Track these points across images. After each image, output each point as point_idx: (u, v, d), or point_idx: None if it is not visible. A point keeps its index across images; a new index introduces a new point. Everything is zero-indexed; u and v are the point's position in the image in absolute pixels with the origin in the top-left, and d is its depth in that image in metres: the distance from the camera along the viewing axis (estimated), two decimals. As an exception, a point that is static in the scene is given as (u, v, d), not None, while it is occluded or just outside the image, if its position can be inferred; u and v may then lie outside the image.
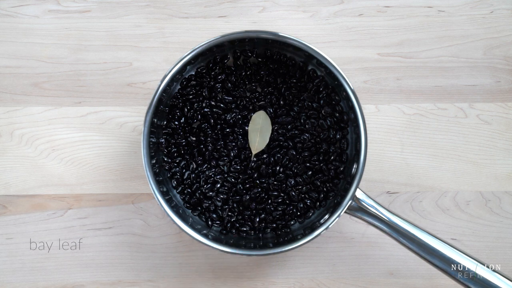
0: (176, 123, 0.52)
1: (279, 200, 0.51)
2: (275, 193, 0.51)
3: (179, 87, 0.52)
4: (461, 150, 0.55)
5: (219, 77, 0.52)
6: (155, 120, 0.50)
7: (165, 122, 0.52)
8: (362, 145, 0.48)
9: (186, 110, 0.52)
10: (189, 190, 0.52)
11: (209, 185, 0.51)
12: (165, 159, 0.52)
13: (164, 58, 0.56)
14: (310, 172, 0.51)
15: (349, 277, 0.54)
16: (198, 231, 0.48)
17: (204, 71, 0.52)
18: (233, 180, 0.51)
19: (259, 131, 0.50)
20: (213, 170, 0.52)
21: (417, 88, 0.56)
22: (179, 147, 0.52)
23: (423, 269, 0.53)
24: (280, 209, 0.51)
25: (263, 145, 0.50)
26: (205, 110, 0.52)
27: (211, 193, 0.51)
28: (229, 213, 0.51)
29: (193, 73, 0.52)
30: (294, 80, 0.52)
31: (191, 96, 0.52)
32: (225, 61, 0.52)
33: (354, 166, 0.50)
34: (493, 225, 0.54)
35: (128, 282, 0.54)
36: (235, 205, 0.51)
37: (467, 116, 0.56)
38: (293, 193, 0.51)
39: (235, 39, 0.49)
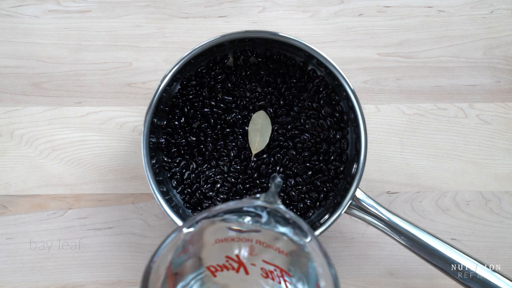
0: (176, 123, 0.52)
1: (279, 200, 0.51)
2: (275, 193, 0.51)
3: (179, 87, 0.52)
4: (461, 150, 0.55)
5: (219, 77, 0.52)
6: (155, 120, 0.50)
7: (165, 122, 0.52)
8: (362, 145, 0.48)
9: (186, 110, 0.52)
10: (189, 190, 0.52)
11: (209, 185, 0.51)
12: (165, 159, 0.52)
13: (164, 58, 0.56)
14: (310, 172, 0.51)
15: (349, 277, 0.54)
16: (198, 231, 0.48)
17: (204, 71, 0.52)
18: (233, 180, 0.51)
19: (259, 131, 0.50)
20: (213, 170, 0.52)
21: (417, 88, 0.56)
22: (179, 147, 0.52)
23: (423, 269, 0.53)
24: (280, 209, 0.51)
25: (263, 145, 0.50)
26: (205, 110, 0.52)
27: (211, 193, 0.51)
28: (229, 213, 0.51)
29: (193, 73, 0.52)
30: (294, 80, 0.52)
31: (191, 96, 0.52)
32: (225, 61, 0.52)
33: (354, 166, 0.50)
34: (493, 225, 0.54)
35: (128, 282, 0.54)
36: (235, 205, 0.51)
37: (467, 116, 0.56)
38: (293, 193, 0.51)
39: (235, 39, 0.49)
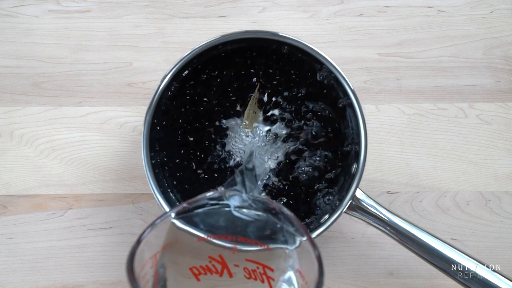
0: (176, 122, 0.52)
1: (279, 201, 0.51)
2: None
3: (179, 87, 0.52)
4: (461, 150, 0.55)
5: (219, 76, 0.52)
6: (155, 120, 0.50)
7: (165, 122, 0.52)
8: (362, 145, 0.48)
9: (185, 110, 0.52)
10: (189, 190, 0.52)
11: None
12: (165, 159, 0.52)
13: (164, 58, 0.56)
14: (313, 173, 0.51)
15: (349, 277, 0.54)
16: (198, 231, 0.48)
17: (203, 70, 0.52)
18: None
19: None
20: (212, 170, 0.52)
21: (417, 88, 0.56)
22: (179, 147, 0.52)
23: (423, 269, 0.53)
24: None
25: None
26: (205, 110, 0.52)
27: (211, 193, 0.51)
28: (229, 213, 0.51)
29: (193, 72, 0.52)
30: (296, 78, 0.52)
31: (190, 96, 0.52)
32: (225, 60, 0.52)
33: (354, 166, 0.50)
34: (493, 225, 0.54)
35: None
36: (235, 205, 0.51)
37: (467, 116, 0.56)
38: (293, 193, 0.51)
39: (235, 39, 0.49)
